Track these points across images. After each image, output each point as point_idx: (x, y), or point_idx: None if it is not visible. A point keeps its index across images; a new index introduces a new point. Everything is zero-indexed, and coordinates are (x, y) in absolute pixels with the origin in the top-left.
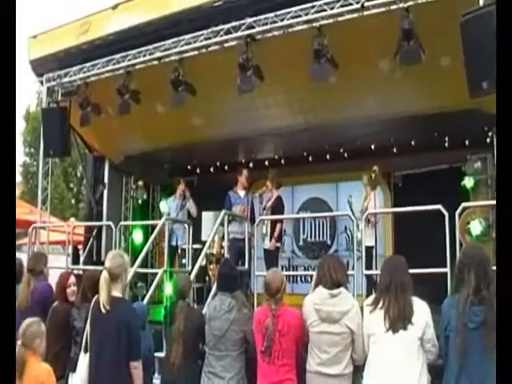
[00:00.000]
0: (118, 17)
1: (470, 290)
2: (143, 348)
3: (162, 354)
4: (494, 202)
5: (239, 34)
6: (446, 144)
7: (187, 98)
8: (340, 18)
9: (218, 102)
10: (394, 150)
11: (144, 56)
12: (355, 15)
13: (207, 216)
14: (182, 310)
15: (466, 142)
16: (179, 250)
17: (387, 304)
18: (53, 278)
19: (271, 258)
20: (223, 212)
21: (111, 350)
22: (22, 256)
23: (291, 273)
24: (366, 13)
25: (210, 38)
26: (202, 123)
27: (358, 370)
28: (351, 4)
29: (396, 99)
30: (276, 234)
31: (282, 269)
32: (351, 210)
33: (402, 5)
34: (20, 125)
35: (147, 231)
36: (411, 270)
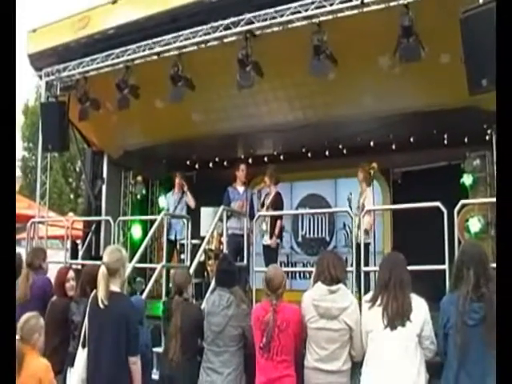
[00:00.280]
0: (117, 11)
1: (469, 287)
2: (140, 344)
3: (160, 350)
4: (492, 200)
5: (238, 29)
6: (445, 141)
7: (186, 94)
8: (340, 15)
9: (217, 98)
10: (393, 147)
11: (143, 51)
12: (355, 11)
13: (206, 211)
14: (179, 306)
15: (465, 140)
16: (178, 245)
17: (386, 301)
18: (52, 273)
19: (270, 254)
20: (222, 207)
21: (110, 345)
22: (21, 251)
23: (290, 269)
24: (365, 9)
25: (209, 34)
26: (201, 119)
27: (357, 366)
28: (351, 0)
29: (395, 96)
30: (276, 230)
31: (281, 265)
32: (350, 207)
33: (401, 1)
34: (18, 119)
35: (146, 226)
36: (410, 267)
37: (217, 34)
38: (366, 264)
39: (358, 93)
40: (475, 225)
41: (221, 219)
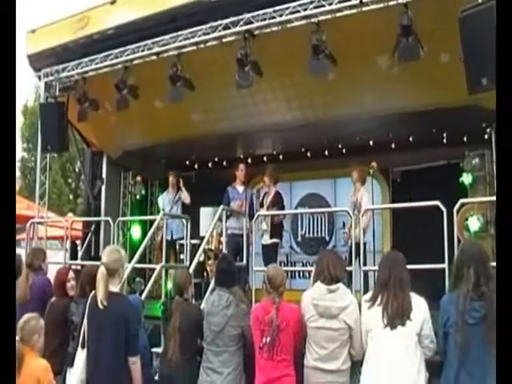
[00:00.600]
0: (116, 12)
1: (469, 286)
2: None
3: (159, 350)
4: (492, 199)
5: (237, 29)
6: (445, 140)
7: (185, 94)
8: (338, 14)
9: (216, 98)
10: (393, 146)
11: (142, 51)
12: (354, 11)
13: (205, 211)
14: (179, 306)
15: (464, 139)
16: (177, 246)
17: (385, 300)
18: (51, 274)
19: (270, 254)
20: (221, 207)
21: (109, 345)
22: (21, 251)
23: (289, 268)
24: (364, 8)
25: (208, 34)
26: (200, 118)
27: (356, 365)
28: (350, 0)
29: (394, 95)
30: (277, 229)
31: (280, 264)
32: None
33: (400, 1)
34: (18, 120)
35: (145, 227)
36: (409, 266)
37: (216, 34)
38: (363, 263)
39: (357, 92)
40: (475, 224)
41: (220, 219)
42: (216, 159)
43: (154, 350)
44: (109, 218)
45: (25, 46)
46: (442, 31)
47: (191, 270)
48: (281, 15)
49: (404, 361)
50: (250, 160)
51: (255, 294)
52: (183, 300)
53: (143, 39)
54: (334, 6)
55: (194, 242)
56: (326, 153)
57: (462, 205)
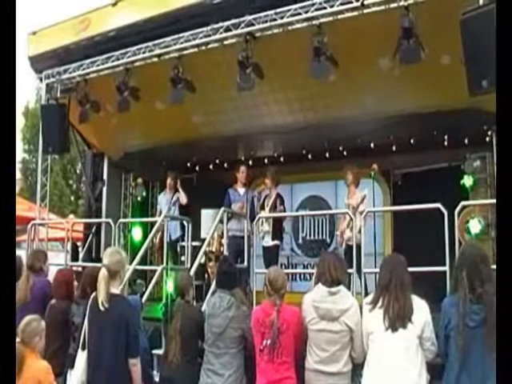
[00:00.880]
0: (117, 14)
1: (466, 289)
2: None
3: (160, 352)
4: (493, 201)
5: (239, 31)
6: (446, 142)
7: (187, 96)
8: (340, 16)
9: (217, 100)
10: (394, 149)
11: (143, 53)
12: (355, 13)
13: (206, 213)
14: (180, 308)
15: (466, 141)
16: (178, 247)
17: (387, 303)
18: (52, 275)
19: (271, 256)
20: (222, 209)
21: (110, 347)
22: (21, 253)
23: (290, 271)
24: (365, 11)
25: (209, 36)
26: (201, 121)
27: (357, 368)
28: (351, 2)
29: (395, 97)
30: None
31: (281, 267)
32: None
33: (401, 3)
34: (19, 121)
35: (146, 228)
36: (410, 269)
37: (217, 36)
38: (357, 266)
39: (358, 94)
40: (476, 226)
41: (221, 221)
42: (217, 161)
43: (155, 351)
44: (110, 220)
45: (26, 47)
46: (443, 33)
47: (192, 271)
48: (282, 17)
49: (405, 363)
50: (251, 162)
51: (256, 296)
52: (184, 302)
53: (144, 41)
54: (335, 9)
55: (195, 244)
56: (327, 155)
57: (463, 207)
